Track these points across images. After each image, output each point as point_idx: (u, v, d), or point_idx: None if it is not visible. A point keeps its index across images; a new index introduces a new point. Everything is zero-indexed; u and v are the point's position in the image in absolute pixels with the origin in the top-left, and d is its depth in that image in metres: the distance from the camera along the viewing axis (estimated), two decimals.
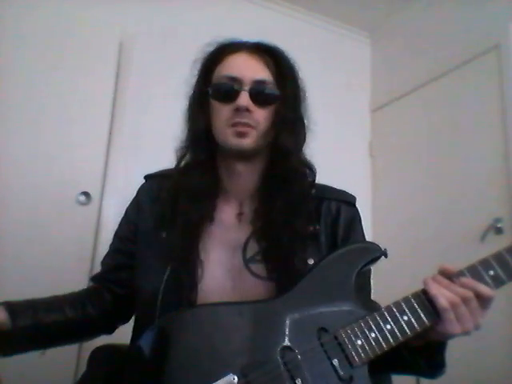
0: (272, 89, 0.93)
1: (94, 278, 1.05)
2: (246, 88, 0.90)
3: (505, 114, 2.09)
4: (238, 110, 0.89)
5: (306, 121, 0.99)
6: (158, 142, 1.93)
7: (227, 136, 0.91)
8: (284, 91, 0.94)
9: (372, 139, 2.89)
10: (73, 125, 2.06)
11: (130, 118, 2.22)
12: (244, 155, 0.94)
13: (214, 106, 0.94)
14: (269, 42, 0.98)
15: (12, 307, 0.86)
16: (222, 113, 0.92)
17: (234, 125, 0.90)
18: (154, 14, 2.38)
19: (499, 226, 2.01)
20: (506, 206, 2.01)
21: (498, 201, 2.05)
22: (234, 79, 0.91)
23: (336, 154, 2.65)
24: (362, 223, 1.00)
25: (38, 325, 0.88)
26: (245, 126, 0.90)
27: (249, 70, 0.92)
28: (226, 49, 0.96)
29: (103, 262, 1.06)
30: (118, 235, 1.05)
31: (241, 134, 0.90)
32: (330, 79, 2.77)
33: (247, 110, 0.89)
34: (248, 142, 0.91)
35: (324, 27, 2.90)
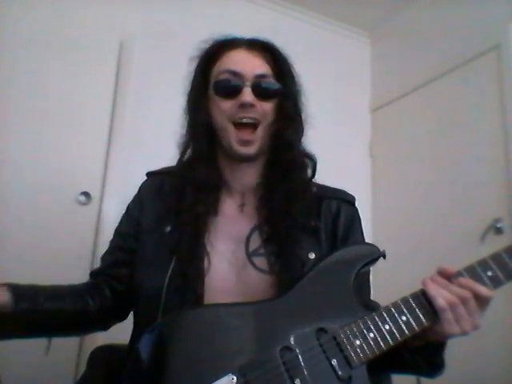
0: (273, 82, 0.95)
1: (93, 274, 1.04)
2: (248, 83, 0.92)
3: (505, 114, 2.09)
4: (243, 106, 0.91)
5: (303, 114, 1.00)
6: (157, 142, 1.93)
7: (231, 140, 0.92)
8: (284, 85, 0.96)
9: (372, 139, 2.90)
10: (73, 124, 2.07)
11: (129, 118, 2.22)
12: (248, 159, 0.95)
13: (215, 102, 0.95)
14: (264, 38, 0.99)
15: (15, 289, 0.86)
16: (224, 108, 0.93)
17: (239, 125, 0.92)
18: (154, 13, 2.38)
19: (499, 226, 2.01)
20: (506, 206, 2.02)
21: (498, 201, 2.05)
22: (236, 75, 0.92)
23: (336, 154, 2.65)
24: (362, 223, 1.01)
25: (37, 310, 0.87)
26: (250, 125, 0.92)
27: (249, 65, 0.93)
28: (224, 45, 0.97)
29: (103, 258, 1.05)
30: (119, 232, 1.05)
31: (245, 143, 0.92)
32: (330, 79, 2.77)
33: (251, 105, 0.91)
34: (253, 150, 0.93)
35: (324, 27, 2.90)
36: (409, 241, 2.41)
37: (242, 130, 0.92)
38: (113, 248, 1.04)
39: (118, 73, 2.22)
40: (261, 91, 0.92)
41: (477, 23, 2.30)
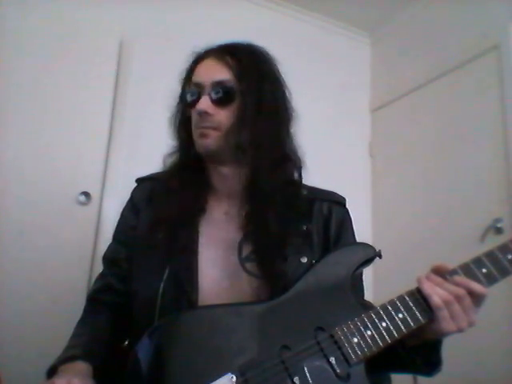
0: (230, 87, 0.92)
1: (106, 289, 1.02)
2: (206, 92, 0.93)
3: (505, 114, 2.09)
4: (200, 115, 0.92)
5: (274, 112, 0.96)
6: (158, 142, 1.93)
7: (195, 138, 0.95)
8: (246, 87, 0.93)
9: (372, 139, 2.90)
10: (73, 125, 2.07)
11: (130, 118, 2.22)
12: (211, 156, 0.96)
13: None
14: (235, 41, 0.99)
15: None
16: (192, 117, 0.96)
17: (199, 128, 0.94)
18: (154, 13, 2.39)
19: (499, 226, 2.01)
20: (506, 206, 2.01)
21: (498, 201, 2.05)
22: (198, 85, 0.95)
23: (336, 154, 2.65)
24: (353, 224, 1.02)
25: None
26: (207, 128, 0.93)
27: (208, 73, 0.94)
28: (198, 57, 0.99)
29: (104, 274, 1.04)
30: (118, 239, 1.04)
31: (202, 135, 0.93)
32: (330, 79, 2.77)
33: (207, 113, 0.91)
34: (209, 143, 0.93)
35: (324, 27, 2.90)
36: (409, 241, 2.41)
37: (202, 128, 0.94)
38: (122, 260, 1.02)
39: (118, 73, 2.22)
40: (217, 98, 0.92)
41: (476, 23, 2.30)
